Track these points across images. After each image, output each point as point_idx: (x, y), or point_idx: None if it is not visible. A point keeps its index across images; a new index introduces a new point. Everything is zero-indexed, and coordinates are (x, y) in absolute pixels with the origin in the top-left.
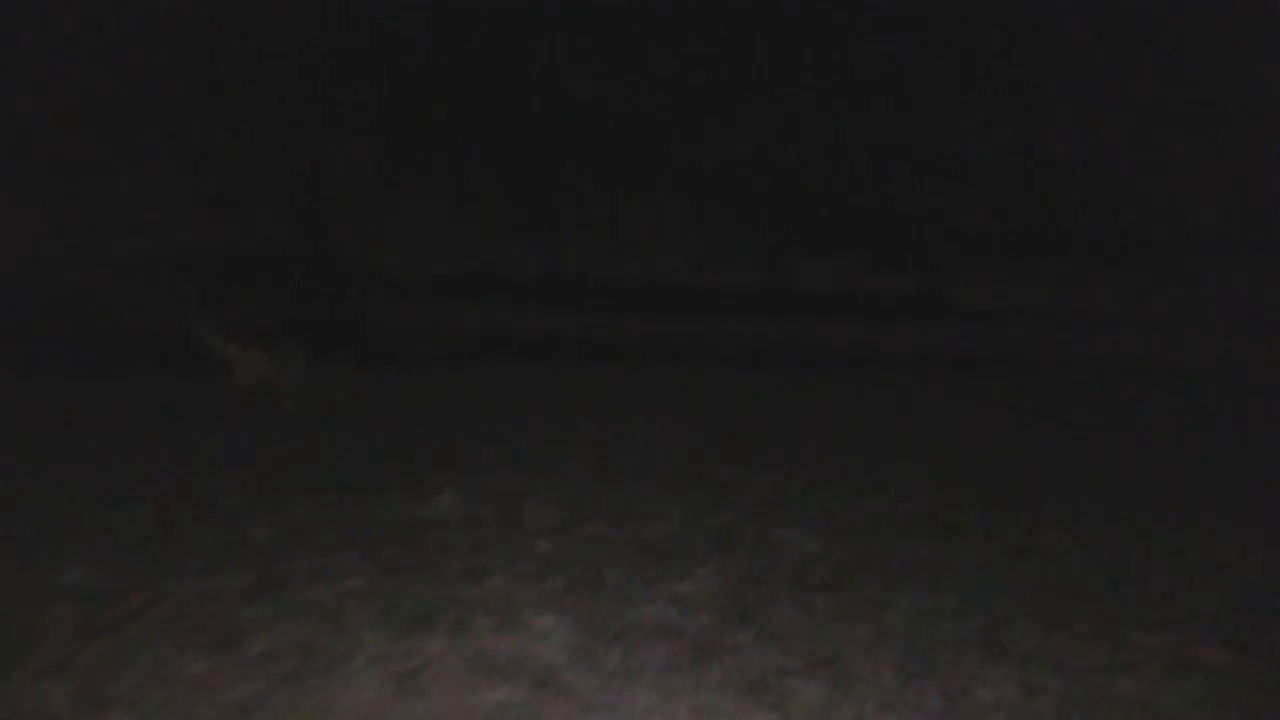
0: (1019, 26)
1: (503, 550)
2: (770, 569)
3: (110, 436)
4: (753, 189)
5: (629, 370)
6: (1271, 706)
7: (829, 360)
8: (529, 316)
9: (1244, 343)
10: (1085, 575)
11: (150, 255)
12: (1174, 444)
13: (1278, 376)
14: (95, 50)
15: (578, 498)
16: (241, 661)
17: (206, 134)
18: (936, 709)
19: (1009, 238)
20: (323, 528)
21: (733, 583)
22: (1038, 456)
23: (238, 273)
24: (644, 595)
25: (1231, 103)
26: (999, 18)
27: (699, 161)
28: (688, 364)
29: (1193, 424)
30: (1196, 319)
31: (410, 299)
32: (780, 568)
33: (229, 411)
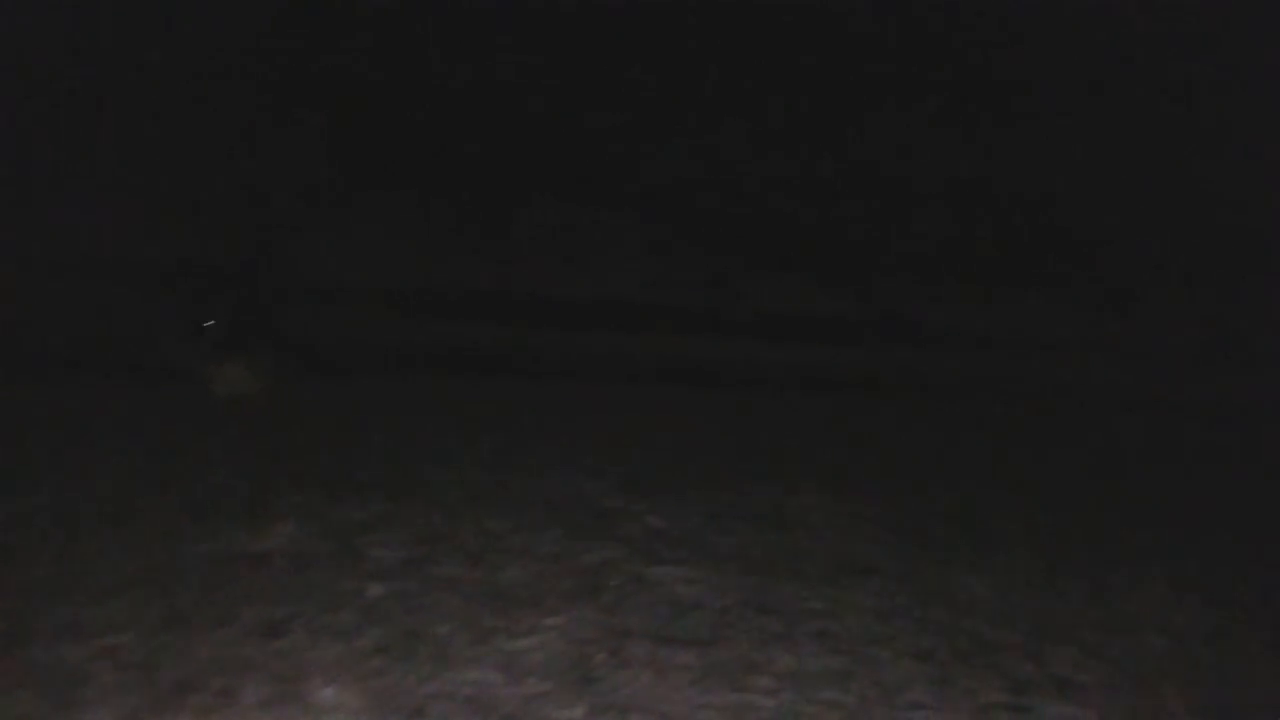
0: (981, 51)
1: (322, 596)
2: (636, 619)
3: None
4: (706, 208)
5: (554, 387)
6: None
7: (770, 382)
8: (468, 331)
9: (1189, 371)
10: (997, 630)
11: (94, 263)
12: (1113, 478)
13: (1225, 407)
14: (53, 56)
15: (440, 531)
16: None
17: (166, 144)
18: None
19: (964, 263)
20: (120, 564)
21: (585, 637)
22: (970, 490)
23: (184, 282)
24: (470, 655)
25: (1188, 132)
26: (962, 41)
27: (654, 179)
28: (621, 381)
29: (1136, 457)
30: (1148, 348)
31: (354, 312)
32: (648, 617)
33: (134, 424)
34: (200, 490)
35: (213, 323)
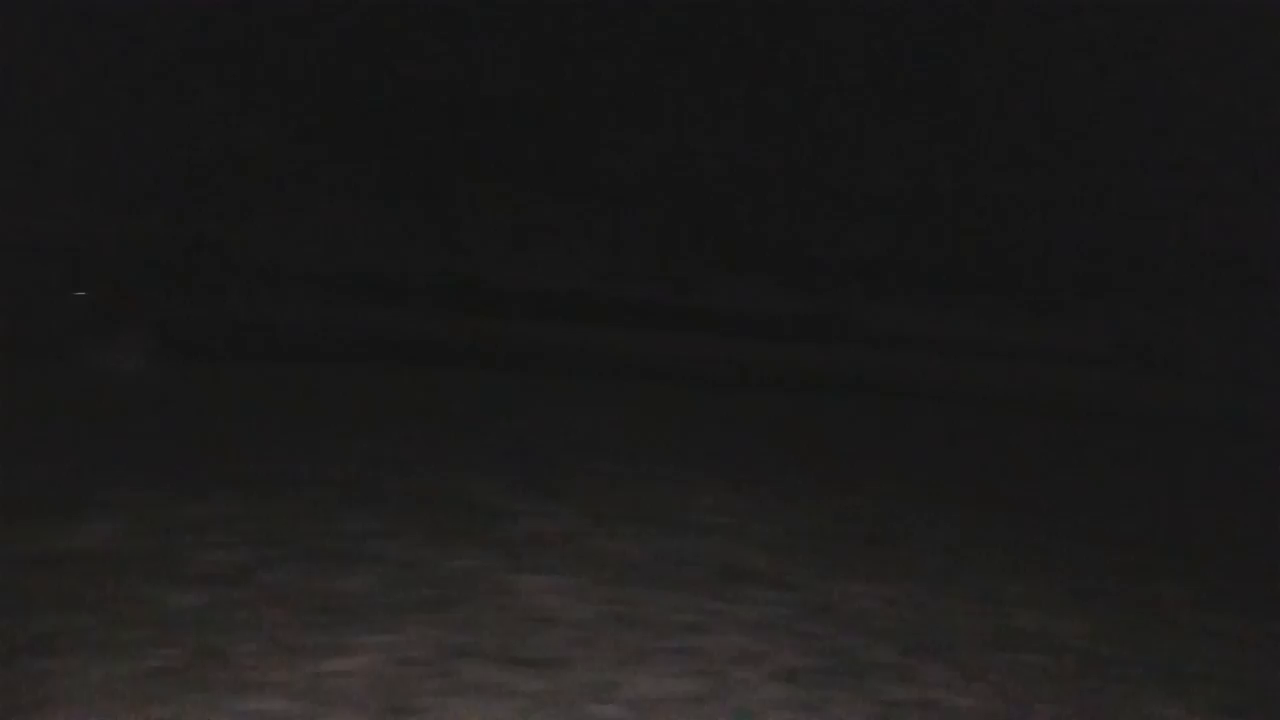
0: (949, 64)
1: (119, 606)
2: (482, 636)
3: None
4: (665, 204)
5: (473, 377)
6: None
7: (705, 377)
8: (396, 318)
9: (1127, 379)
10: (875, 647)
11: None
12: (1027, 484)
13: (1139, 414)
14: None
15: (286, 532)
16: None
17: (91, 122)
18: None
19: (916, 269)
20: None
21: (416, 658)
22: (880, 493)
23: (104, 260)
24: (271, 680)
25: (1129, 145)
26: (931, 51)
27: (614, 172)
28: (550, 374)
29: (1053, 462)
30: (1070, 354)
31: (275, 295)
32: (498, 632)
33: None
34: (25, 480)
35: (83, 294)
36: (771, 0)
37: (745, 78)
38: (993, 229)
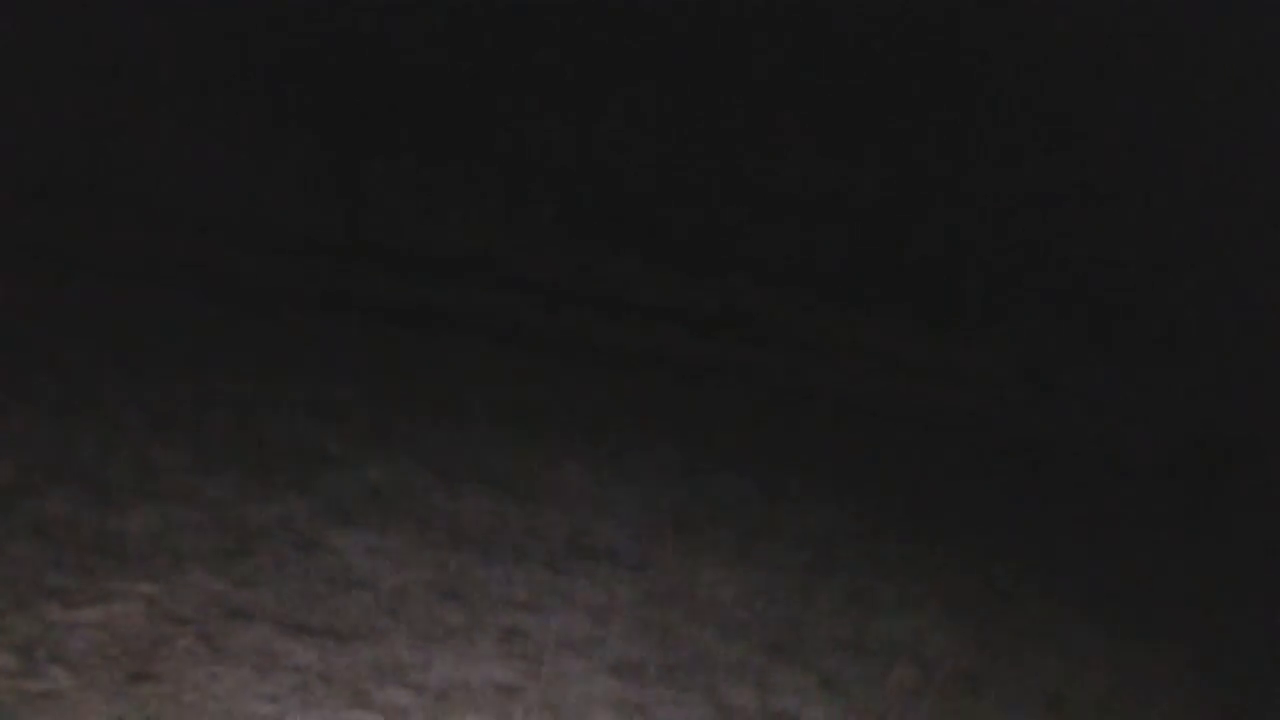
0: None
1: None
2: (273, 594)
3: None
4: (579, 181)
5: (347, 327)
6: None
7: (598, 356)
8: (300, 270)
9: (1002, 397)
10: (729, 643)
11: None
12: (910, 491)
13: (1029, 436)
14: None
15: (77, 455)
16: None
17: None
18: None
19: (815, 270)
20: None
21: (186, 613)
22: (757, 480)
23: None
24: None
25: (1057, 157)
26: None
27: (527, 144)
28: (428, 333)
29: (938, 473)
30: (967, 371)
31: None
32: (290, 593)
33: None
34: None
35: None
36: None
37: (674, 65)
38: (912, 239)
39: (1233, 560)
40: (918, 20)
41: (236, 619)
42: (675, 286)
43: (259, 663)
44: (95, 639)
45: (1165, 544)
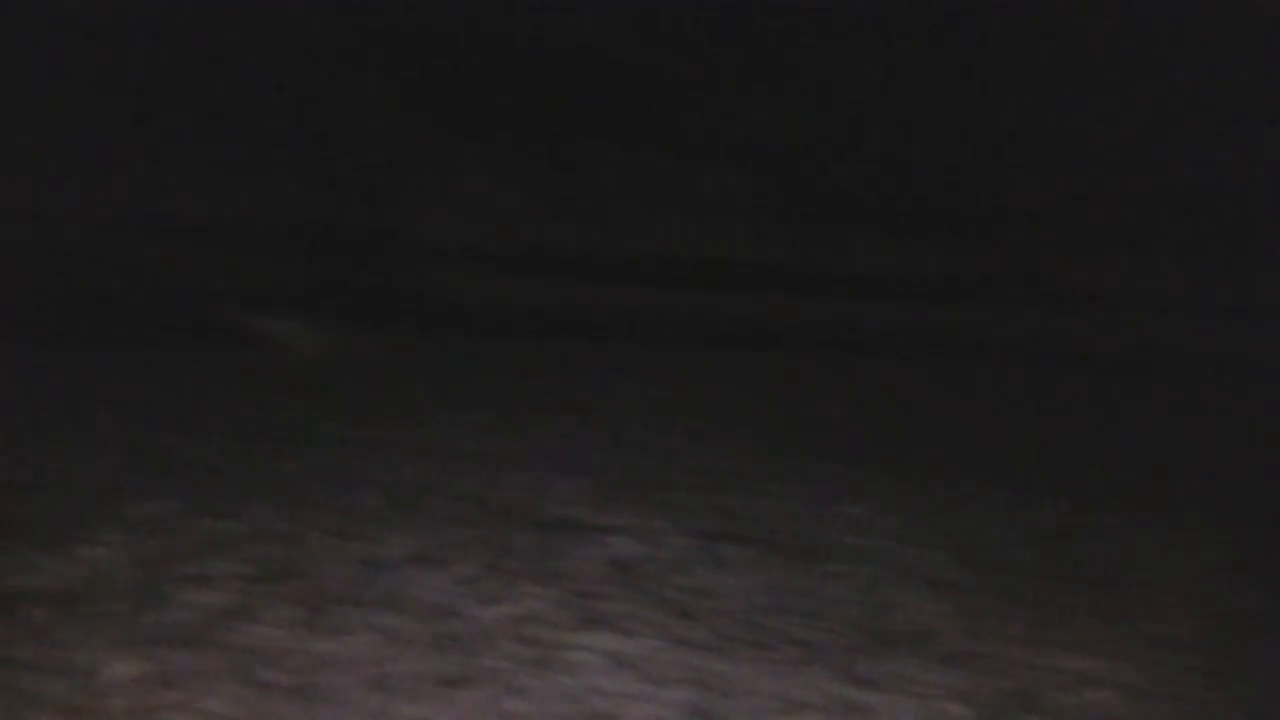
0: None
1: None
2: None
3: None
4: (793, 163)
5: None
6: None
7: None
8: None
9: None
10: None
11: (179, 220)
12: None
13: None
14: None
15: None
16: None
17: (243, 99)
18: None
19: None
20: None
21: None
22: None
23: (272, 240)
24: None
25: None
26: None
27: (750, 133)
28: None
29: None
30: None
31: (450, 271)
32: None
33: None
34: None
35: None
36: None
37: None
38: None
39: None
40: None
41: None
42: (948, 258)
43: None
44: None
45: None
